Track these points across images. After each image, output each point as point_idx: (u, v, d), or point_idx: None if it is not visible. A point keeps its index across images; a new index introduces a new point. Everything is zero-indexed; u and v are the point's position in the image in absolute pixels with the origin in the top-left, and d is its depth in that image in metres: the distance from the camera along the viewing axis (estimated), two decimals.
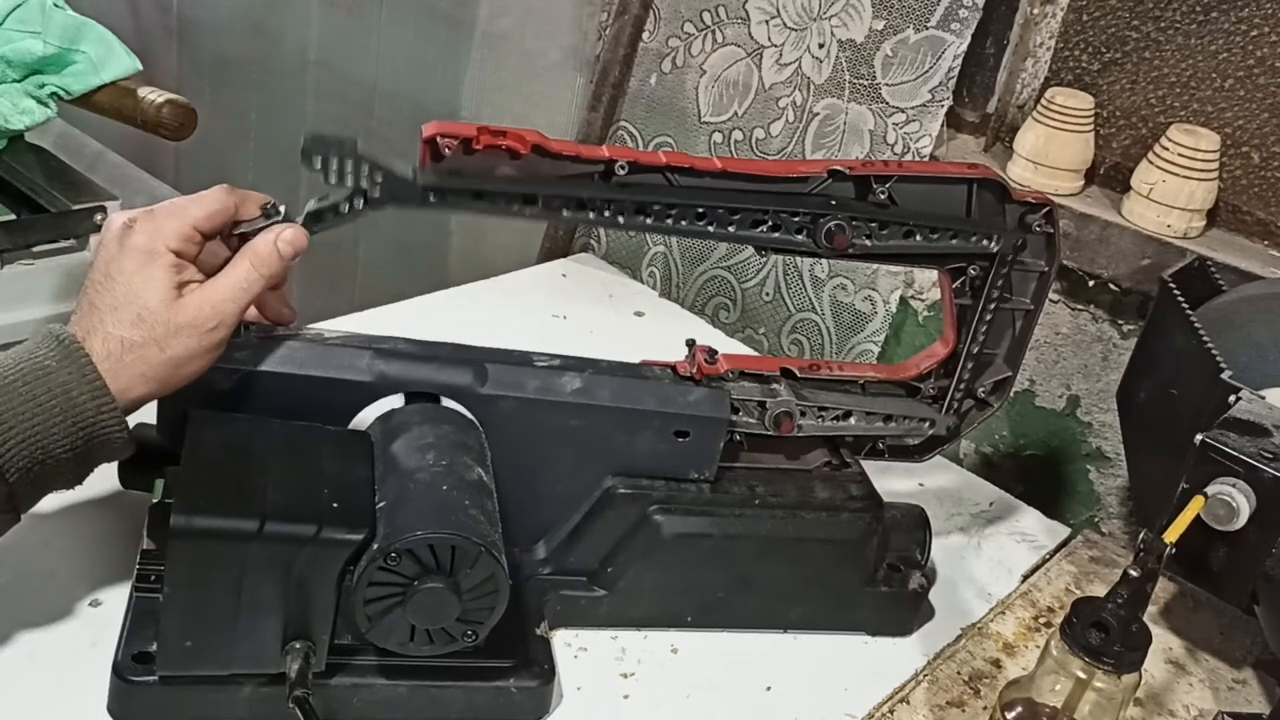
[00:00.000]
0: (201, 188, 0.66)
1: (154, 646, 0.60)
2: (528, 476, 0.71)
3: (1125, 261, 0.98)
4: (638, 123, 1.31)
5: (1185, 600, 0.88)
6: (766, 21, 1.17)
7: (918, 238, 0.73)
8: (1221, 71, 0.98)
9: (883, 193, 0.72)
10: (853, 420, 0.79)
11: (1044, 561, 0.91)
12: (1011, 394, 0.84)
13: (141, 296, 0.61)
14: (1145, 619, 0.60)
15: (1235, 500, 0.64)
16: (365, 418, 0.68)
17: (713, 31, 1.21)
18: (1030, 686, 0.64)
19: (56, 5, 1.21)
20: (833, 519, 0.76)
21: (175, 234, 0.62)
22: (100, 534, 0.74)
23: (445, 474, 0.63)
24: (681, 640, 0.76)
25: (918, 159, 1.09)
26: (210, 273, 0.64)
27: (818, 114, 1.15)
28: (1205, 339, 0.75)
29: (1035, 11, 1.06)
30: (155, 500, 0.67)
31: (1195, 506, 0.64)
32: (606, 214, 0.68)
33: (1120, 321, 1.03)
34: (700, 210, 0.69)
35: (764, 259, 1.23)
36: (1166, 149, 0.96)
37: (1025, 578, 0.89)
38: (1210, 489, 0.64)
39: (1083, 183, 1.05)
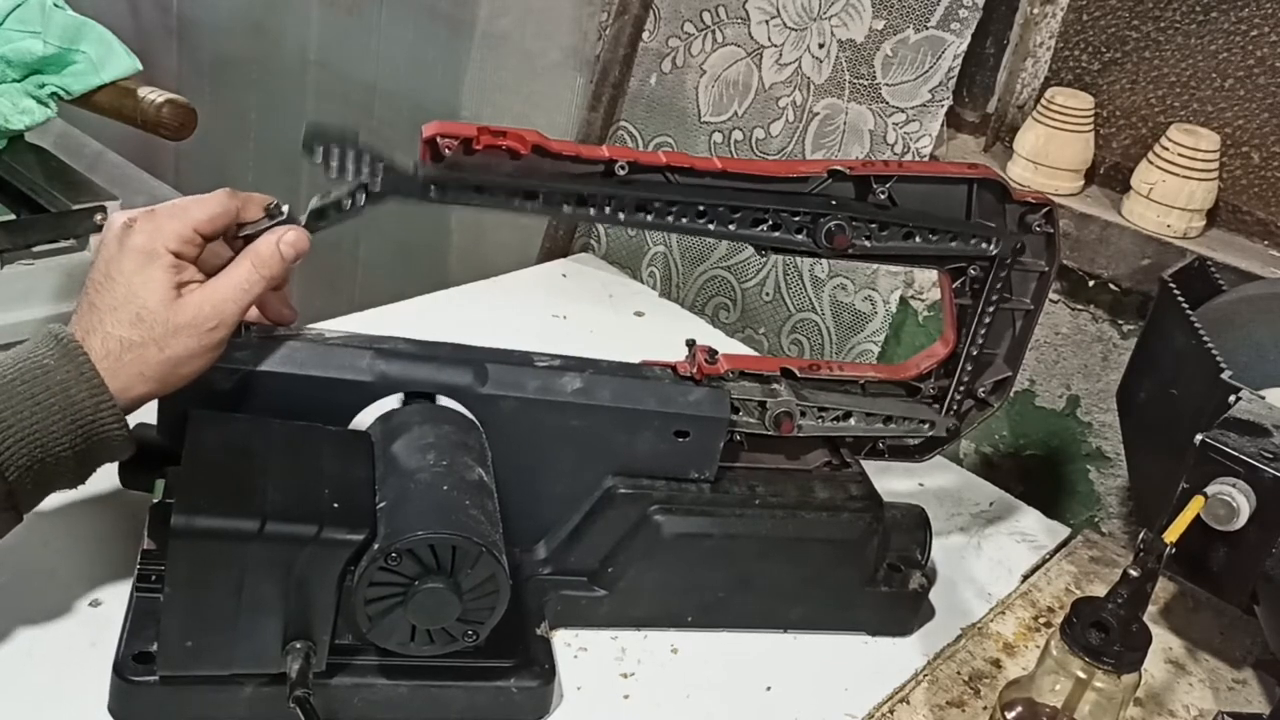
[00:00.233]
0: (201, 188, 0.66)
1: (155, 646, 0.60)
2: (528, 476, 0.71)
3: (1125, 261, 0.98)
4: (638, 123, 1.31)
5: (1185, 600, 0.88)
6: (766, 21, 1.17)
7: (918, 238, 0.73)
8: (1221, 71, 0.98)
9: (883, 193, 0.72)
10: (853, 420, 0.79)
11: (1044, 561, 0.91)
12: (1011, 394, 0.84)
13: (140, 296, 0.61)
14: (1145, 619, 0.60)
15: (1235, 500, 0.64)
16: (366, 418, 0.68)
17: (713, 31, 1.21)
18: (1030, 686, 0.64)
19: (56, 5, 1.20)
20: (833, 519, 0.76)
21: (175, 235, 0.62)
22: (100, 534, 0.74)
23: (446, 474, 0.63)
24: (681, 640, 0.76)
25: (918, 159, 1.09)
26: (211, 274, 0.64)
27: (818, 114, 1.15)
28: (1205, 339, 0.75)
29: (1035, 11, 1.06)
30: (156, 500, 0.67)
31: (1195, 506, 0.64)
32: (607, 210, 0.68)
33: (1120, 321, 1.03)
34: (701, 208, 0.69)
35: (764, 259, 1.23)
36: (1166, 149, 0.96)
37: (1025, 578, 0.89)
38: (1210, 489, 0.64)
39: (1083, 183, 1.05)
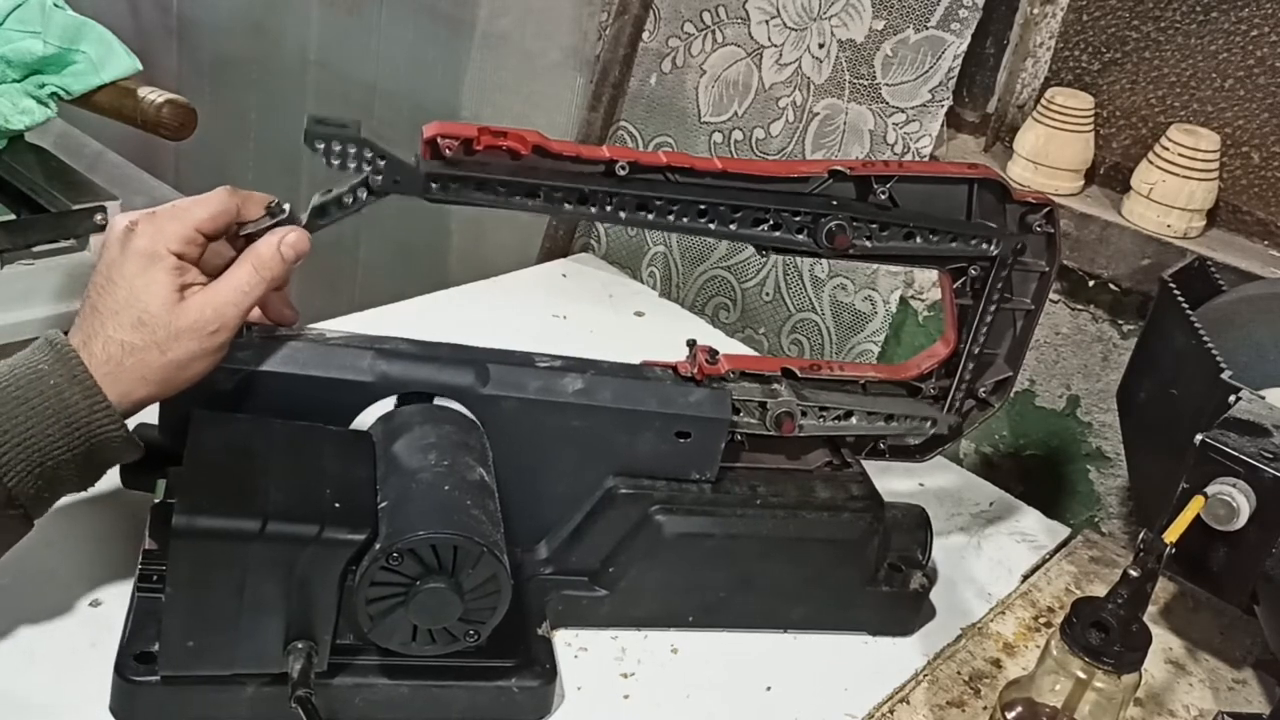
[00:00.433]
0: (202, 188, 0.66)
1: (156, 646, 0.60)
2: (529, 477, 0.71)
3: (1125, 261, 0.99)
4: (638, 123, 1.31)
5: (1185, 600, 0.88)
6: (766, 21, 1.17)
7: (918, 238, 0.74)
8: (1221, 71, 0.98)
9: (883, 193, 0.72)
10: (854, 419, 0.79)
11: (1044, 561, 0.91)
12: (1012, 394, 0.84)
13: (143, 300, 0.61)
14: (1145, 619, 0.60)
15: (1235, 500, 0.64)
16: (367, 418, 0.68)
17: (713, 31, 1.21)
18: (1030, 686, 0.64)
19: (56, 5, 1.20)
20: (834, 519, 0.76)
21: (177, 236, 0.62)
22: (101, 534, 0.74)
23: (447, 474, 0.63)
24: (681, 640, 0.77)
25: (918, 159, 1.09)
26: (213, 273, 0.64)
27: (818, 114, 1.15)
28: (1205, 339, 0.75)
29: (1035, 11, 1.06)
30: (157, 500, 0.67)
31: (1195, 506, 0.64)
32: (608, 209, 0.68)
33: (1120, 321, 1.03)
34: (702, 208, 0.69)
35: (764, 259, 1.23)
36: (1166, 149, 0.96)
37: (1025, 578, 0.89)
38: (1210, 489, 0.64)
39: (1083, 183, 1.05)
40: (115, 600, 0.69)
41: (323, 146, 0.63)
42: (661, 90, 1.27)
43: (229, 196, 0.64)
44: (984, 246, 0.75)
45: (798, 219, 0.71)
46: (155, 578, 0.64)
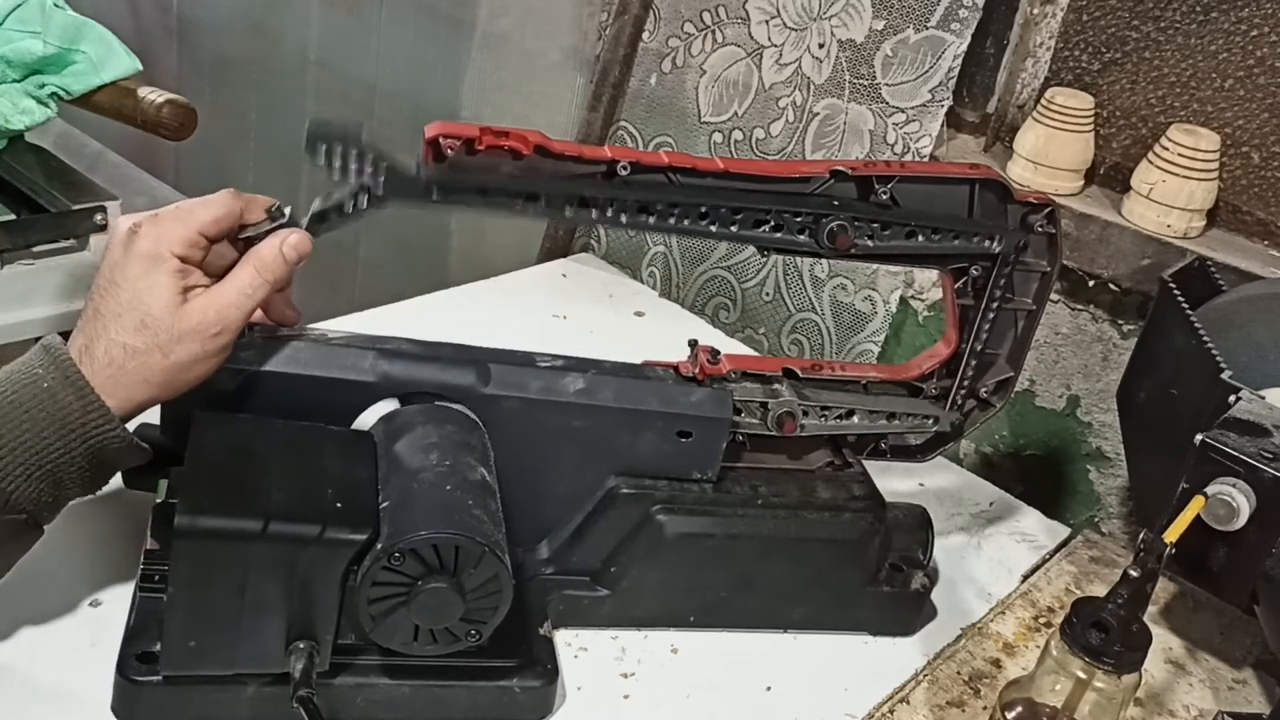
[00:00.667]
0: (202, 188, 0.66)
1: (158, 646, 0.60)
2: (531, 477, 0.71)
3: (1125, 261, 0.99)
4: (638, 123, 1.31)
5: (1185, 600, 0.88)
6: (766, 21, 1.17)
7: (920, 238, 0.74)
8: (1221, 71, 0.98)
9: (885, 193, 0.72)
10: (856, 419, 0.79)
11: (1044, 561, 0.91)
12: (1013, 394, 0.84)
13: (145, 302, 0.61)
14: (1145, 619, 0.60)
15: (1235, 500, 0.64)
16: (368, 418, 0.68)
17: (713, 31, 1.22)
18: (1030, 686, 0.64)
19: (56, 5, 1.20)
20: (835, 519, 0.76)
21: (180, 239, 0.62)
22: (101, 534, 0.74)
23: (449, 474, 0.63)
24: (681, 640, 0.77)
25: (918, 159, 1.09)
26: (216, 275, 0.64)
27: (818, 114, 1.15)
28: (1205, 339, 0.75)
29: (1035, 11, 1.06)
30: (159, 500, 0.67)
31: (1195, 506, 0.64)
32: (609, 212, 0.68)
33: (1120, 321, 1.03)
34: (703, 210, 0.69)
35: (764, 259, 1.23)
36: (1166, 149, 0.96)
37: (1025, 578, 0.89)
38: (1210, 489, 0.64)
39: (1083, 183, 1.05)
40: (116, 600, 0.69)
41: (324, 151, 0.63)
42: (661, 90, 1.27)
43: (232, 199, 0.64)
44: (986, 244, 0.75)
45: (799, 219, 0.71)
46: (157, 578, 0.64)
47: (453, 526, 0.59)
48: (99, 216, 1.18)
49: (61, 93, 1.20)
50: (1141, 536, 0.59)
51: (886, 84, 1.10)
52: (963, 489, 0.99)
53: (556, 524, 0.74)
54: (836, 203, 0.71)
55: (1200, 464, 0.65)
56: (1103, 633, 0.59)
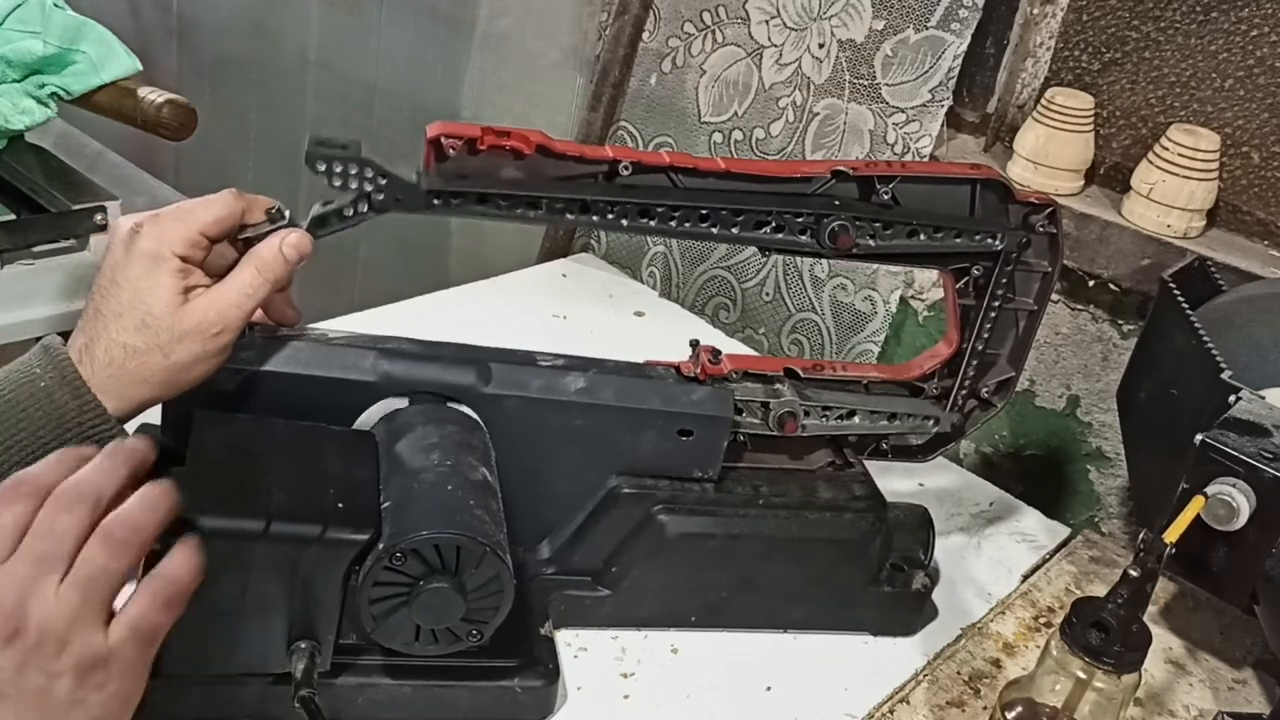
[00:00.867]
0: (202, 188, 0.66)
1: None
2: (532, 476, 0.71)
3: (1125, 261, 0.99)
4: (638, 123, 1.31)
5: (1185, 600, 0.88)
6: (766, 21, 1.17)
7: (921, 238, 0.74)
8: (1221, 71, 0.98)
9: (886, 193, 0.72)
10: (857, 419, 0.79)
11: (1044, 561, 0.91)
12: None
13: (146, 302, 0.61)
14: (1145, 619, 0.60)
15: (1235, 500, 0.64)
16: (370, 418, 0.68)
17: (713, 31, 1.22)
18: (1030, 686, 0.64)
19: (56, 5, 1.21)
20: (836, 519, 0.76)
21: (181, 239, 0.62)
22: None
23: (450, 474, 0.63)
24: (681, 640, 0.77)
25: (918, 159, 1.09)
26: (217, 275, 0.64)
27: (818, 114, 1.15)
28: (1205, 339, 0.75)
29: (1035, 11, 1.06)
30: None
31: (1195, 506, 0.64)
32: (610, 216, 0.68)
33: (1120, 321, 1.04)
34: (704, 212, 0.69)
35: (764, 259, 1.23)
36: (1166, 149, 0.97)
37: (1025, 578, 0.89)
38: (1210, 489, 0.65)
39: (1083, 183, 1.05)
40: (117, 601, 0.69)
41: (324, 168, 0.63)
42: (661, 90, 1.28)
43: (234, 200, 0.64)
44: (988, 244, 0.75)
45: (800, 220, 0.71)
46: None
47: (454, 526, 0.59)
48: (99, 216, 1.18)
49: (61, 93, 1.20)
50: (1141, 536, 0.60)
51: (886, 84, 1.10)
52: (963, 489, 1.00)
53: (558, 524, 0.74)
54: (838, 203, 0.71)
55: (1200, 464, 0.65)
56: (1103, 633, 0.59)
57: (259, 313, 0.68)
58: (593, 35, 1.33)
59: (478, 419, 0.69)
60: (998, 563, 0.90)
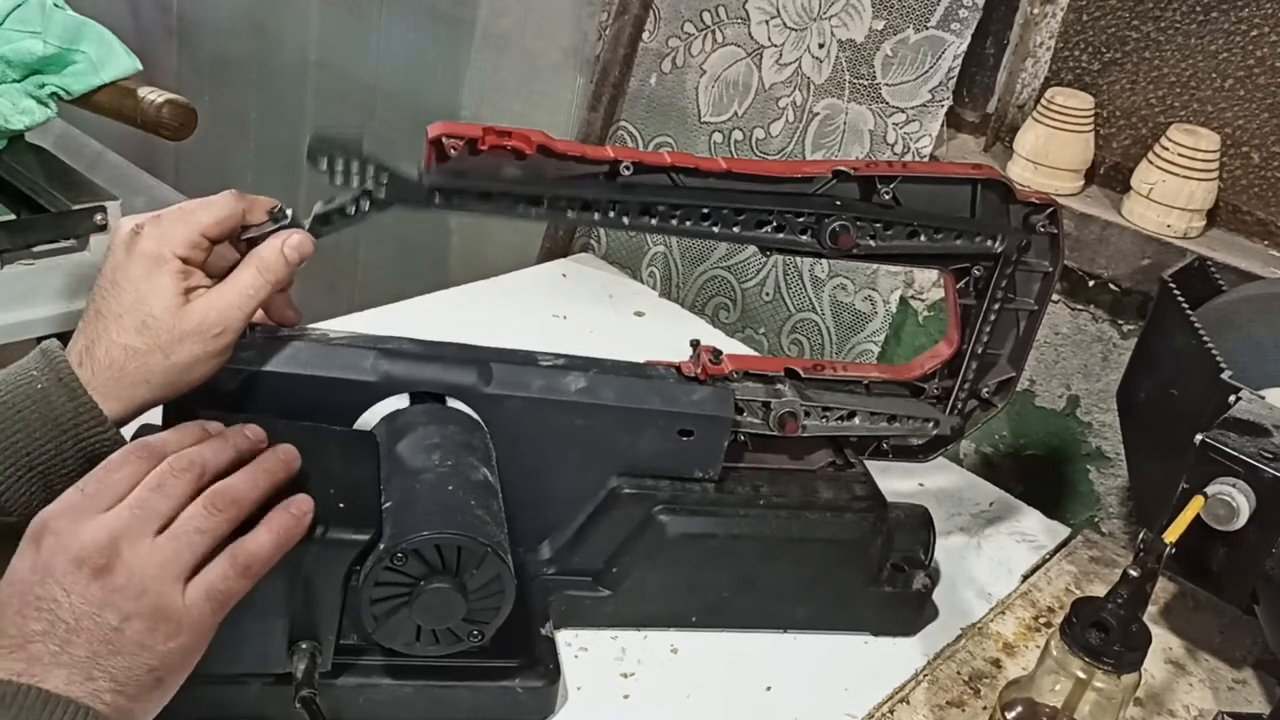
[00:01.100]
0: (202, 188, 0.66)
1: None
2: (533, 476, 0.72)
3: (1125, 261, 0.99)
4: (638, 123, 1.31)
5: (1185, 600, 0.88)
6: (766, 21, 1.17)
7: (922, 238, 0.74)
8: (1221, 71, 0.98)
9: (887, 193, 0.72)
10: (857, 420, 0.79)
11: (1044, 561, 0.91)
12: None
13: (148, 303, 0.61)
14: (1145, 619, 0.60)
15: (1235, 500, 0.64)
16: (370, 418, 0.68)
17: (713, 31, 1.22)
18: (1030, 686, 0.64)
19: (56, 5, 1.21)
20: (837, 519, 0.76)
21: (183, 240, 0.62)
22: None
23: (451, 474, 0.63)
24: (681, 640, 0.77)
25: (918, 159, 1.09)
26: (218, 276, 0.64)
27: (818, 114, 1.15)
28: (1205, 339, 0.75)
29: (1035, 11, 1.06)
30: None
31: (1195, 506, 0.64)
32: (611, 214, 0.68)
33: (1120, 321, 1.04)
34: (705, 210, 0.70)
35: (764, 259, 1.23)
36: (1166, 149, 0.97)
37: (1025, 578, 0.89)
38: (1210, 489, 0.65)
39: (1083, 183, 1.05)
40: None
41: (325, 163, 0.63)
42: (661, 90, 1.28)
43: (235, 200, 0.64)
44: (988, 244, 0.75)
45: (801, 220, 0.71)
46: None
47: (455, 527, 0.59)
48: (99, 216, 1.18)
49: (61, 93, 1.20)
50: (1141, 536, 0.60)
51: (886, 84, 1.10)
52: (963, 489, 1.00)
53: (558, 524, 0.74)
54: (839, 203, 0.71)
55: (1200, 464, 0.65)
56: (1103, 633, 0.59)
57: (260, 313, 0.68)
58: (593, 35, 1.33)
59: (478, 419, 0.69)
60: (998, 563, 0.90)
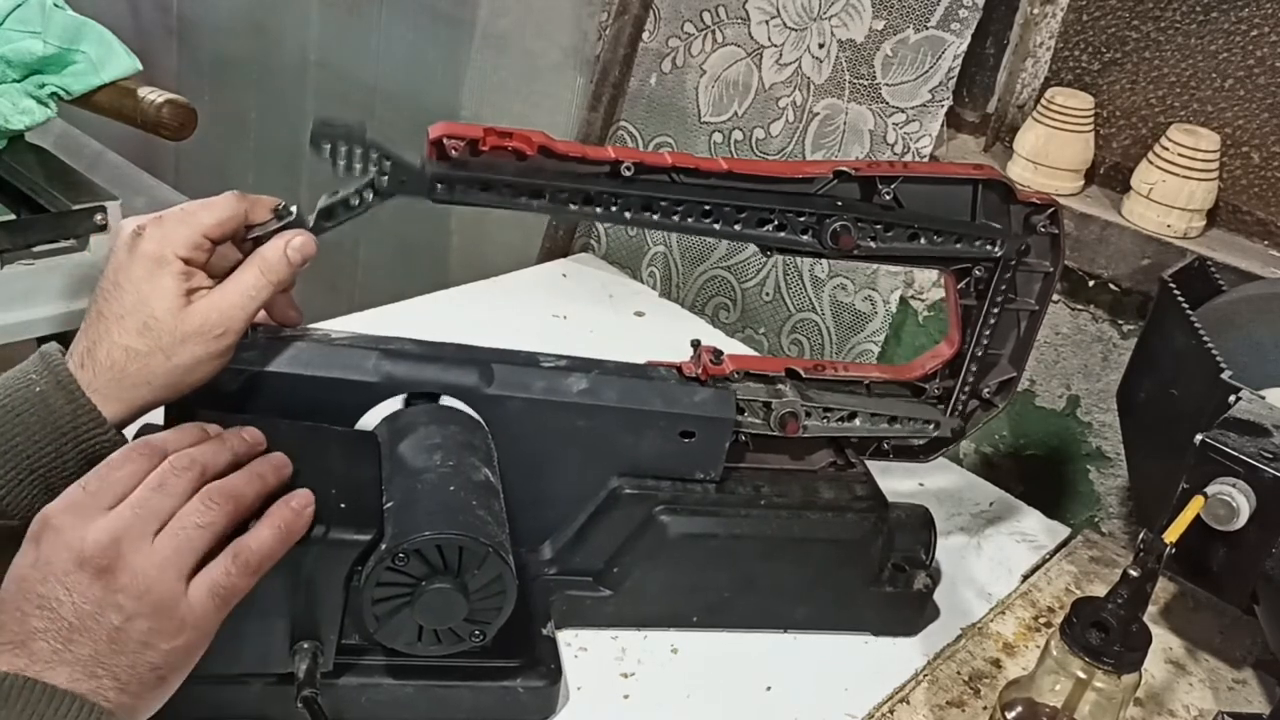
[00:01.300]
0: (202, 188, 0.66)
1: None
2: (534, 477, 0.72)
3: (1125, 261, 0.99)
4: (638, 123, 1.31)
5: (1185, 600, 0.88)
6: (766, 21, 1.17)
7: (923, 239, 0.74)
8: (1221, 71, 0.99)
9: (888, 193, 0.72)
10: (858, 421, 0.79)
11: (1044, 561, 0.91)
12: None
13: (149, 304, 0.61)
14: (1145, 619, 0.61)
15: (1235, 500, 0.64)
16: (372, 418, 0.68)
17: (713, 31, 1.22)
18: (1030, 686, 0.64)
19: (56, 5, 1.21)
20: (838, 519, 0.76)
21: (185, 241, 0.62)
22: None
23: (452, 475, 0.63)
24: (682, 640, 0.77)
25: (918, 159, 1.09)
26: (220, 276, 0.64)
27: (818, 114, 1.16)
28: (1205, 339, 0.75)
29: (1035, 11, 1.06)
30: None
31: (1195, 506, 0.64)
32: (613, 209, 0.68)
33: (1120, 321, 1.04)
34: (706, 208, 0.70)
35: (764, 259, 1.23)
36: (1166, 149, 0.97)
37: (1025, 578, 0.89)
38: (1210, 489, 0.65)
39: (1083, 183, 1.05)
40: None
41: (328, 149, 0.63)
42: (661, 90, 1.28)
43: (237, 201, 0.64)
44: (988, 248, 0.75)
45: (802, 219, 0.71)
46: None
47: (456, 527, 0.60)
48: (99, 216, 1.18)
49: (61, 93, 1.20)
50: (1141, 536, 0.60)
51: (886, 84, 1.10)
52: (963, 489, 1.00)
53: (560, 524, 0.74)
54: (840, 203, 0.71)
55: (1200, 464, 0.65)
56: (1103, 633, 0.60)
57: (261, 313, 0.68)
58: (593, 35, 1.33)
59: (480, 419, 0.69)
60: (998, 563, 0.90)
